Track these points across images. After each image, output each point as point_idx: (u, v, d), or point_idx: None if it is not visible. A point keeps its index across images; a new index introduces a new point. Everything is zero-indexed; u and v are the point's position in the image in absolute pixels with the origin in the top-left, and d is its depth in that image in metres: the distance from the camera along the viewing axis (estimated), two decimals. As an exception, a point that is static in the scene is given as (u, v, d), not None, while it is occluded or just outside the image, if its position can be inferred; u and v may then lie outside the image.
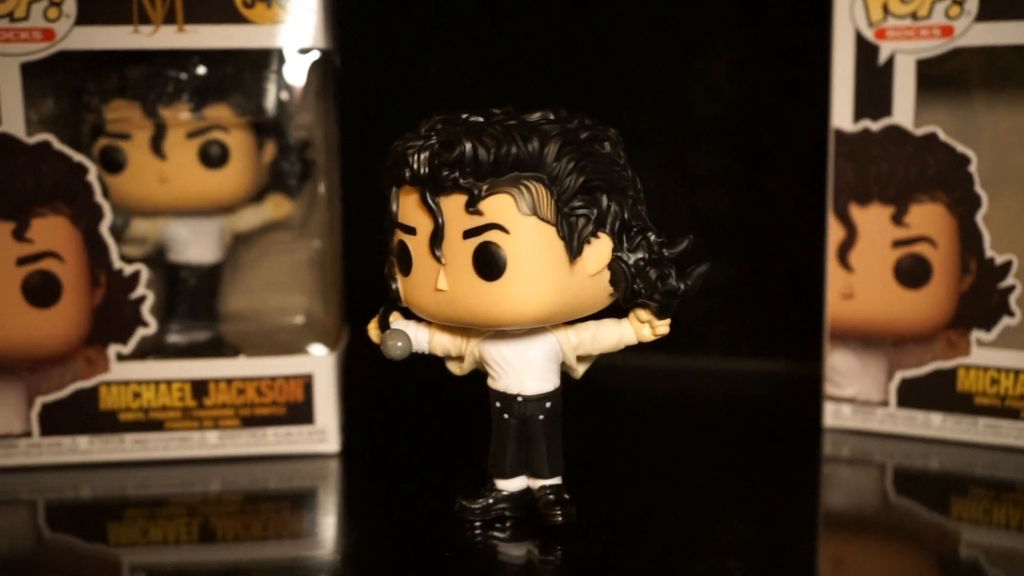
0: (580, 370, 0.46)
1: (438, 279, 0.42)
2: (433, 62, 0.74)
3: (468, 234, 0.41)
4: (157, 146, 0.55)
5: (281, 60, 0.55)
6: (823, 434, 0.58)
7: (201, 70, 0.54)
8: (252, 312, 0.61)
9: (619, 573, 0.42)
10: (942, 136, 0.54)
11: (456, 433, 0.58)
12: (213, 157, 0.56)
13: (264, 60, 0.55)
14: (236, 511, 0.49)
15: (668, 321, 0.43)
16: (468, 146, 0.40)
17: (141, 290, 0.52)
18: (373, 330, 0.46)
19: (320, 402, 0.54)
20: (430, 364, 0.66)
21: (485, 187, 0.40)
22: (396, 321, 0.45)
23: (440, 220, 0.41)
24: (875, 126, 0.55)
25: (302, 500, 0.51)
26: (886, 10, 0.54)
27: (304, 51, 0.52)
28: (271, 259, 0.61)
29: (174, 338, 0.58)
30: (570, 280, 0.41)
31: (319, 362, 0.54)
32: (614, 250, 0.41)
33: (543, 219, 0.40)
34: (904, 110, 0.55)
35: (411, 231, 0.42)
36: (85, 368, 0.52)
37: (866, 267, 0.56)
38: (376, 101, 0.71)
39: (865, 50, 0.55)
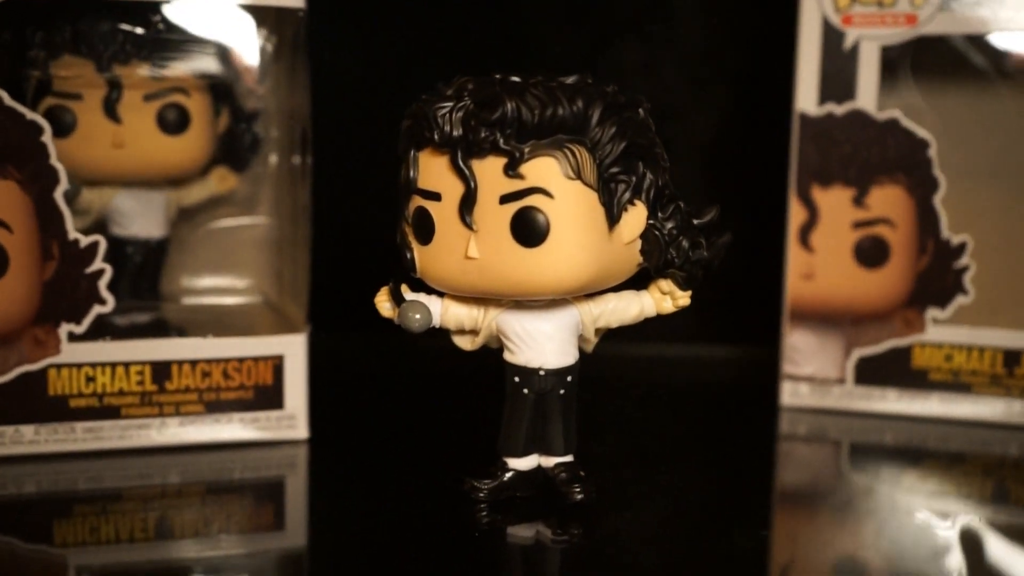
0: (594, 343, 0.45)
1: (468, 246, 0.40)
2: (407, 46, 0.72)
3: (506, 199, 0.39)
4: (111, 108, 0.52)
5: (246, 19, 0.52)
6: (780, 413, 0.59)
7: (161, 25, 0.51)
8: (196, 293, 0.58)
9: (634, 553, 0.42)
10: (903, 121, 0.56)
11: (429, 415, 0.57)
12: (172, 122, 0.53)
13: (226, 17, 0.52)
14: (197, 504, 0.46)
15: (690, 293, 0.43)
16: (511, 106, 0.38)
17: (98, 263, 0.48)
18: (384, 303, 0.43)
19: (290, 385, 0.51)
20: (399, 345, 0.65)
21: (527, 149, 0.39)
22: (408, 293, 0.43)
23: (473, 184, 0.39)
24: (839, 110, 0.57)
25: (269, 491, 0.49)
26: (853, -4, 0.56)
27: (260, 9, 0.49)
28: (215, 236, 0.58)
29: (113, 319, 0.54)
30: (607, 248, 0.40)
31: (290, 343, 0.51)
32: (648, 218, 0.41)
33: (587, 184, 0.39)
34: (868, 95, 0.56)
35: (435, 197, 0.40)
36: (33, 349, 0.48)
37: (827, 248, 0.58)
38: (351, 78, 0.69)
39: (831, 35, 0.56)
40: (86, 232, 0.51)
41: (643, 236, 0.41)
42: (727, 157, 0.71)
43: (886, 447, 0.55)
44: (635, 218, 0.41)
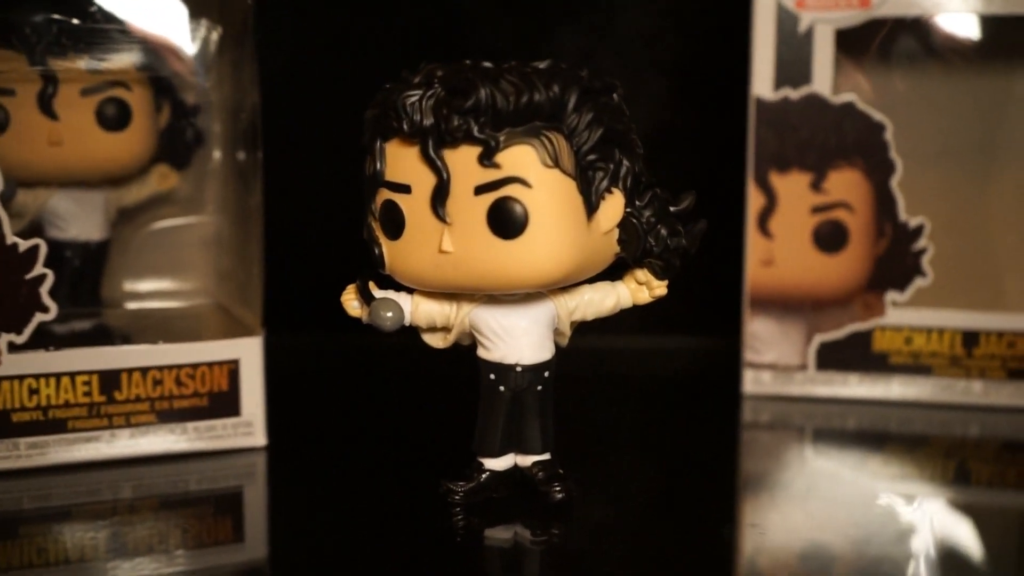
0: (568, 337, 0.44)
1: (442, 240, 0.39)
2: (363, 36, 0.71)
3: (481, 189, 0.38)
4: (46, 104, 0.49)
5: (189, 8, 0.50)
6: (743, 401, 0.59)
7: (98, 15, 0.48)
8: (140, 297, 0.56)
9: (613, 557, 0.41)
10: (859, 104, 0.56)
11: (397, 417, 0.55)
12: (112, 117, 0.51)
13: (167, 6, 0.50)
14: (151, 519, 0.45)
15: (666, 282, 0.42)
16: (485, 92, 0.37)
17: (39, 268, 0.46)
18: (351, 301, 0.42)
19: (246, 391, 0.50)
20: (359, 345, 0.63)
21: (503, 137, 0.38)
22: (376, 291, 0.42)
23: (445, 175, 0.38)
24: (795, 94, 0.57)
25: (227, 502, 0.47)
26: (807, -20, 0.56)
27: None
28: (158, 238, 0.56)
29: (52, 327, 0.51)
30: (586, 238, 0.39)
31: (245, 346, 0.50)
32: (626, 206, 0.40)
33: (564, 172, 0.38)
34: (823, 79, 0.56)
35: (404, 189, 0.39)
36: (-31, 363, 0.46)
37: (786, 234, 0.58)
38: (299, 69, 0.68)
39: (786, 19, 0.56)
40: (21, 236, 0.48)
41: (621, 225, 0.40)
42: (676, 145, 0.70)
43: (849, 432, 0.56)
44: (613, 207, 0.40)
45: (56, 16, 0.48)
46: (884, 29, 0.57)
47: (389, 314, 0.40)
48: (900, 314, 0.58)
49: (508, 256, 0.38)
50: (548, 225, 0.38)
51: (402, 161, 0.39)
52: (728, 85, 0.64)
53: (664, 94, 0.71)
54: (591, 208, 0.39)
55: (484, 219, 0.38)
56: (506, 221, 0.38)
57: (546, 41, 0.71)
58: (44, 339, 0.48)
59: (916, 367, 0.58)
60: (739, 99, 0.59)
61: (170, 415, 0.49)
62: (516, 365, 0.42)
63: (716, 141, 0.68)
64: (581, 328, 0.44)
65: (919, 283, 0.57)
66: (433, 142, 0.38)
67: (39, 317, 0.46)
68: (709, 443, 0.54)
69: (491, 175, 0.38)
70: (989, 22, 0.56)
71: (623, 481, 0.49)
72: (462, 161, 0.38)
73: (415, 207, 0.39)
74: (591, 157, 0.39)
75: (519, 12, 0.71)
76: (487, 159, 0.38)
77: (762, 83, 0.57)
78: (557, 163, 0.38)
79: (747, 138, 0.57)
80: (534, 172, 0.38)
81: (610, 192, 0.39)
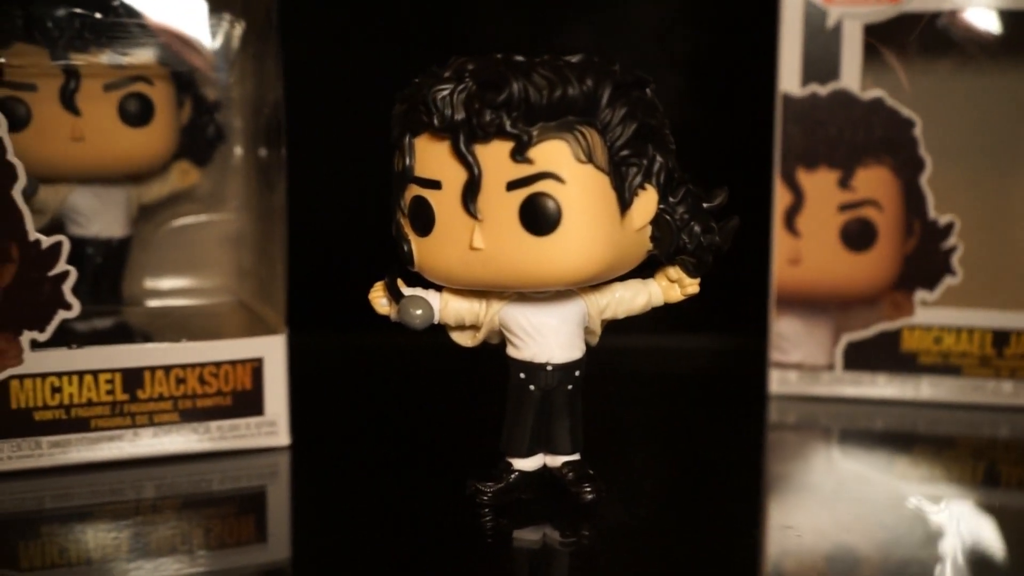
0: (599, 335, 0.43)
1: (473, 237, 0.38)
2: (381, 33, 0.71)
3: (514, 185, 0.37)
4: (68, 99, 0.49)
5: (212, 2, 0.50)
6: (769, 401, 0.59)
7: (121, 10, 0.48)
8: (161, 295, 0.56)
9: (640, 559, 0.41)
10: (888, 100, 0.56)
11: (422, 417, 0.55)
12: (134, 113, 0.50)
13: (190, 0, 0.49)
14: (174, 519, 0.44)
15: (699, 280, 0.42)
16: (517, 86, 0.37)
17: (62, 265, 0.46)
18: (380, 299, 0.41)
19: (270, 390, 0.49)
20: (384, 343, 0.63)
21: (535, 132, 0.37)
22: (405, 288, 0.41)
23: (477, 170, 0.38)
24: (823, 90, 0.56)
25: (250, 502, 0.47)
26: (835, -26, 0.55)
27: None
28: (179, 235, 0.56)
29: (73, 325, 0.51)
30: (619, 235, 0.39)
31: (269, 345, 0.49)
32: (659, 203, 0.39)
33: (598, 168, 0.38)
34: (851, 74, 0.56)
35: (434, 185, 0.39)
36: (-8, 360, 0.45)
37: (813, 232, 0.57)
38: (324, 64, 0.67)
39: (813, 14, 0.56)
40: (43, 232, 0.48)
41: (654, 221, 0.40)
42: (699, 142, 0.70)
43: (877, 433, 0.55)
44: (646, 203, 0.39)
45: (78, 10, 0.47)
46: (915, 24, 0.56)
47: (419, 312, 0.40)
48: (929, 313, 0.57)
49: (540, 253, 0.38)
50: (581, 222, 0.38)
51: (432, 157, 0.39)
52: (751, 80, 0.63)
53: (684, 90, 0.71)
54: (624, 204, 0.38)
55: (516, 215, 0.38)
56: (539, 217, 0.37)
57: (557, 35, 0.71)
58: (66, 337, 0.47)
59: (945, 367, 0.57)
60: (763, 95, 0.58)
61: (193, 414, 0.48)
62: (546, 364, 0.41)
63: (740, 138, 0.67)
64: (608, 325, 0.44)
65: (949, 282, 0.57)
66: (464, 137, 0.37)
67: (62, 314, 0.46)
68: (734, 444, 0.54)
69: (523, 170, 0.37)
70: (1021, 17, 0.56)
71: (647, 482, 0.48)
72: (494, 156, 0.38)
73: (445, 203, 0.39)
74: (624, 152, 0.38)
75: (530, 5, 0.71)
76: (519, 154, 0.37)
77: (789, 79, 0.56)
78: (591, 158, 0.37)
79: (774, 135, 0.57)
80: (567, 167, 0.37)
81: (643, 188, 0.39)
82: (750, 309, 0.63)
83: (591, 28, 0.71)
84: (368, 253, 0.47)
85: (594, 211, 0.38)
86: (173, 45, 0.50)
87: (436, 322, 0.41)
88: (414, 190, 0.39)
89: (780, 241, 0.57)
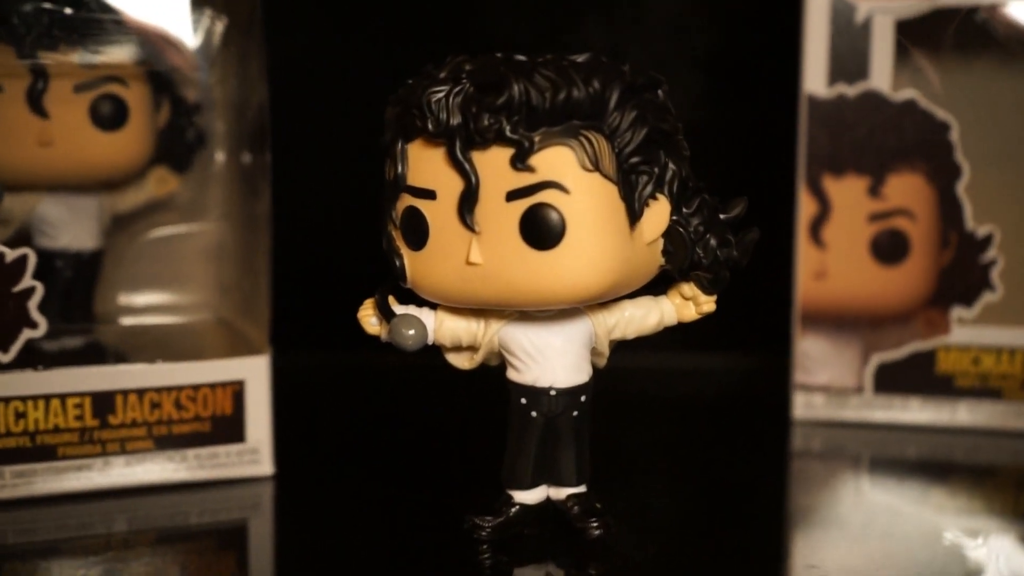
0: (607, 357, 0.43)
1: (470, 251, 0.38)
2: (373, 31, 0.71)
3: (514, 195, 0.37)
4: (36, 101, 0.49)
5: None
6: (792, 427, 0.59)
7: (93, 5, 0.48)
8: (136, 312, 0.56)
9: None
10: (921, 102, 0.56)
11: (416, 445, 0.55)
12: (107, 116, 0.50)
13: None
14: (148, 555, 0.44)
15: (715, 297, 0.42)
16: (518, 89, 0.36)
17: (27, 281, 0.46)
18: (369, 318, 0.41)
19: (252, 415, 0.49)
20: (374, 365, 0.63)
21: (538, 138, 0.37)
22: (397, 306, 0.41)
23: (474, 179, 0.37)
24: (851, 91, 0.56)
25: (230, 536, 0.47)
26: (864, -33, 0.56)
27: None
28: (155, 247, 0.56)
29: (40, 345, 0.51)
30: (628, 249, 0.39)
31: (251, 366, 0.49)
32: (672, 214, 0.39)
33: (605, 176, 0.37)
34: (882, 74, 0.56)
35: (428, 195, 0.38)
36: (-49, 383, 0.46)
37: (840, 243, 0.57)
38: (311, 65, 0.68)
39: (841, 9, 0.56)
40: (8, 245, 0.48)
41: (667, 234, 0.39)
42: (717, 147, 0.70)
43: (910, 461, 0.55)
44: (658, 214, 0.39)
45: (47, 5, 0.48)
46: (950, 19, 0.56)
47: (411, 332, 0.40)
48: (966, 332, 0.57)
49: (542, 268, 0.38)
50: (587, 234, 0.37)
51: (426, 164, 0.38)
52: (774, 80, 0.64)
53: (700, 90, 0.71)
54: (634, 216, 0.38)
55: (516, 228, 0.37)
56: (541, 230, 0.37)
57: (569, 32, 0.71)
58: (32, 357, 0.48)
59: (984, 390, 0.57)
60: (787, 96, 0.58)
61: (169, 441, 0.49)
62: (550, 388, 0.41)
63: (762, 142, 0.68)
64: (616, 345, 0.44)
65: (987, 298, 0.57)
66: (461, 143, 0.37)
67: (27, 333, 0.46)
68: (755, 473, 0.53)
69: (524, 179, 0.37)
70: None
71: (661, 514, 0.48)
72: (493, 164, 0.37)
73: (440, 214, 0.38)
74: (634, 160, 0.38)
75: (541, 0, 0.71)
76: (520, 162, 0.37)
77: (814, 78, 0.56)
78: (597, 166, 0.37)
79: (798, 139, 0.57)
80: (572, 176, 0.37)
81: (655, 198, 0.39)
82: (772, 327, 0.63)
83: (604, 22, 0.71)
84: (361, 267, 0.47)
85: (601, 223, 0.37)
86: (150, 43, 0.50)
87: (430, 343, 0.41)
88: (407, 200, 0.39)
89: (805, 253, 0.57)
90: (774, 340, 0.62)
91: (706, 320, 0.43)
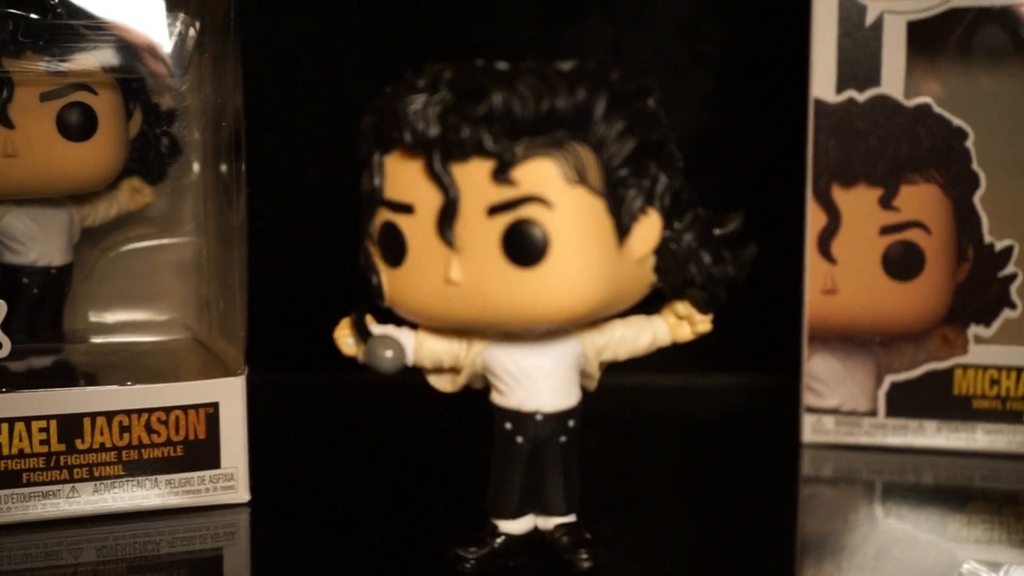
0: (597, 379, 0.44)
1: (449, 268, 0.39)
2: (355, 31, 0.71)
3: (495, 210, 0.38)
4: (1, 111, 0.50)
5: (162, 1, 0.51)
6: (801, 451, 0.59)
7: (60, 10, 0.49)
8: (107, 330, 0.57)
9: None
10: (936, 108, 0.56)
11: (398, 471, 0.56)
12: (75, 125, 0.51)
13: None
14: None
15: (711, 317, 0.42)
16: (499, 98, 0.37)
17: None
18: (346, 338, 0.42)
19: (227, 439, 0.50)
20: (355, 387, 0.63)
21: (520, 150, 0.37)
22: (374, 326, 0.41)
23: (453, 193, 0.38)
24: (861, 96, 0.57)
25: (204, 566, 0.47)
26: (874, -34, 0.56)
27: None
28: (128, 262, 0.57)
29: (5, 365, 0.52)
30: (616, 266, 0.39)
31: (225, 388, 0.50)
32: (664, 229, 0.40)
33: (591, 190, 0.38)
34: (894, 78, 0.56)
35: (406, 209, 0.39)
36: (-90, 407, 0.47)
37: (851, 258, 0.58)
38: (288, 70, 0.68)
39: (850, 10, 0.56)
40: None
41: (658, 251, 0.40)
42: (722, 155, 0.70)
43: (925, 488, 0.55)
44: (648, 229, 0.39)
45: (12, 10, 0.48)
46: (965, 21, 0.56)
47: (388, 353, 0.40)
48: (985, 351, 0.57)
49: (526, 287, 0.38)
50: (572, 251, 0.38)
51: (404, 177, 0.39)
52: (782, 85, 0.64)
53: (706, 94, 0.71)
54: (623, 231, 0.39)
55: (498, 244, 0.38)
56: (523, 246, 0.38)
57: (570, 33, 0.71)
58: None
59: (1003, 413, 0.57)
60: (796, 102, 0.58)
61: (139, 467, 0.49)
62: (536, 413, 0.41)
63: (769, 150, 0.68)
64: (614, 365, 0.44)
65: (1007, 315, 0.57)
66: (440, 155, 0.38)
67: (-11, 354, 0.47)
68: (762, 499, 0.54)
69: (506, 193, 0.38)
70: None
71: (662, 543, 0.48)
72: (473, 177, 0.38)
73: (419, 230, 0.39)
74: (622, 172, 0.38)
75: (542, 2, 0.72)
76: (502, 175, 0.37)
77: (823, 84, 0.56)
78: (583, 179, 0.38)
79: (806, 147, 0.57)
80: (556, 190, 0.37)
81: (644, 213, 0.39)
82: (780, 345, 0.63)
83: (608, 24, 0.71)
84: (339, 284, 0.47)
85: (587, 239, 0.38)
86: (120, 49, 0.51)
87: (409, 364, 0.42)
88: (384, 215, 0.40)
89: (813, 268, 0.58)
90: (782, 359, 0.63)
91: (710, 338, 0.44)
